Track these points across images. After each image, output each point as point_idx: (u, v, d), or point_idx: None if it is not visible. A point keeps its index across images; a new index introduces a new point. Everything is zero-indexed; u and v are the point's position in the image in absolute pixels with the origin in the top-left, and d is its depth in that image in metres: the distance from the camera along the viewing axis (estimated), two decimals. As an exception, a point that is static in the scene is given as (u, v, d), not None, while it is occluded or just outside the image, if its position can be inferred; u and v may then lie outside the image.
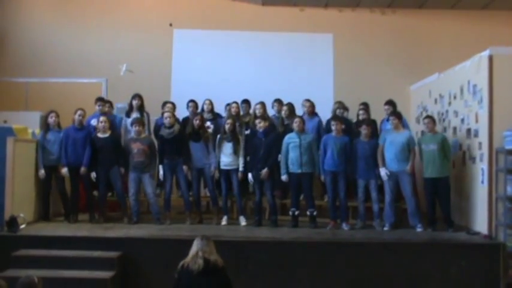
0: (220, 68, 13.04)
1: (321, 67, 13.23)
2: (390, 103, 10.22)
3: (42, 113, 11.66)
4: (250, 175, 9.45)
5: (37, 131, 10.18)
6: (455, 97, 10.05)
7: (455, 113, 9.97)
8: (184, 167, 9.52)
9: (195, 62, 13.04)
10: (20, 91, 12.73)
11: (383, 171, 9.21)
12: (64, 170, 9.48)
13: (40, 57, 12.99)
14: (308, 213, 9.41)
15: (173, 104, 10.64)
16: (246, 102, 10.82)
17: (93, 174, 9.53)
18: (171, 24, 13.16)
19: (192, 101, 10.69)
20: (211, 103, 10.72)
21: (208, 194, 10.02)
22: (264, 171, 9.28)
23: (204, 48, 13.17)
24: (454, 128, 9.99)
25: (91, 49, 13.07)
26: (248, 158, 9.58)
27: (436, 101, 11.08)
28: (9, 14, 13.28)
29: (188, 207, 9.68)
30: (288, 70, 13.10)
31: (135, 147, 9.45)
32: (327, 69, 13.22)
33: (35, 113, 11.73)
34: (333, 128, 9.42)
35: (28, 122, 10.52)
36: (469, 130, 9.37)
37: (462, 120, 9.66)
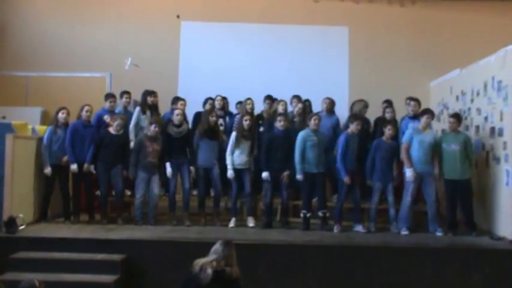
0: (230, 62, 13.00)
1: (336, 62, 13.17)
2: (417, 100, 10.15)
3: (42, 108, 11.70)
4: (266, 174, 9.40)
5: (37, 127, 10.16)
6: (478, 94, 9.97)
7: (478, 111, 9.89)
8: (192, 168, 9.54)
9: (204, 56, 13.02)
10: (19, 85, 12.74)
11: (410, 173, 9.12)
12: (74, 167, 9.47)
13: (41, 50, 12.99)
14: (320, 214, 9.38)
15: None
16: (270, 98, 10.80)
17: (91, 168, 9.54)
18: (178, 16, 13.13)
19: (210, 98, 10.73)
20: (223, 99, 10.71)
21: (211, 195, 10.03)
22: (286, 173, 9.34)
23: (213, 42, 13.14)
24: (477, 127, 9.90)
25: (94, 42, 13.06)
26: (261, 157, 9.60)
27: (457, 98, 11.00)
28: (10, 6, 13.28)
29: (187, 208, 9.67)
30: (300, 65, 13.07)
31: (151, 146, 9.46)
32: (342, 64, 13.16)
33: (36, 109, 11.76)
34: (353, 127, 9.36)
35: (28, 118, 10.49)
36: (492, 129, 9.28)
37: (485, 119, 9.57)
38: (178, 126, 9.55)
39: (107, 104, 10.37)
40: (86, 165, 9.50)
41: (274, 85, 12.00)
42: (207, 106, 10.58)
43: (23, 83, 12.77)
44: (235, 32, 13.16)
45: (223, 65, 12.93)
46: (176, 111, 9.67)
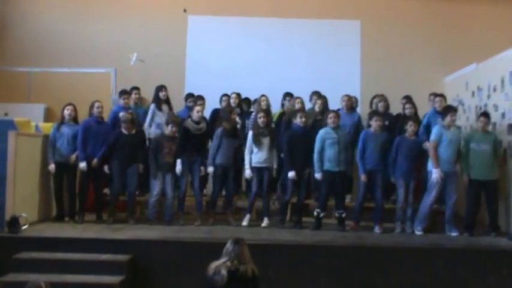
0: (239, 58, 13.00)
1: (347, 57, 13.15)
2: (442, 95, 10.09)
3: (46, 105, 11.71)
4: (291, 173, 9.38)
5: (41, 124, 10.18)
6: (495, 89, 9.91)
7: (495, 107, 9.83)
8: (202, 168, 9.54)
9: (212, 52, 13.02)
10: (22, 81, 12.78)
11: (437, 173, 9.02)
12: (82, 165, 9.47)
13: (44, 45, 13.01)
14: (337, 214, 9.37)
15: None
16: (290, 95, 10.79)
17: (106, 168, 9.55)
18: (185, 10, 13.11)
19: (225, 95, 10.77)
20: (238, 97, 10.70)
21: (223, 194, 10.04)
22: (308, 171, 9.38)
23: (221, 36, 13.15)
24: (494, 124, 9.82)
25: (99, 37, 13.08)
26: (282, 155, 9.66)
27: (473, 93, 10.95)
28: (12, -1, 13.33)
29: (199, 208, 9.68)
30: (310, 60, 13.05)
31: (168, 146, 9.47)
32: (353, 58, 13.15)
33: (39, 105, 11.79)
34: (374, 124, 9.34)
35: (31, 115, 10.51)
36: (510, 126, 9.23)
37: (503, 115, 9.52)
38: (198, 123, 9.56)
39: (121, 101, 10.41)
40: (94, 161, 9.48)
41: (284, 81, 11.97)
42: (222, 103, 10.63)
43: (25, 78, 12.80)
44: (245, 26, 13.14)
45: (232, 61, 12.93)
46: (197, 108, 9.68)
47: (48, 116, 11.96)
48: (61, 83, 12.54)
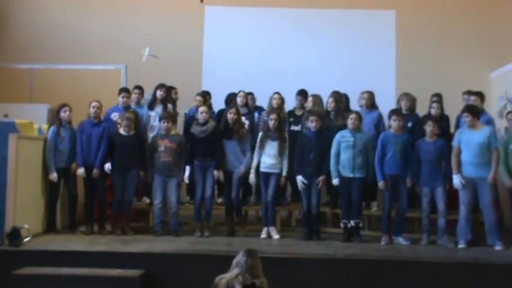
0: (260, 52, 13.02)
1: (380, 50, 13.12)
2: (478, 94, 9.95)
3: (49, 105, 11.76)
4: (300, 179, 9.39)
5: (44, 126, 10.22)
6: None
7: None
8: (215, 173, 9.53)
9: (230, 45, 13.05)
10: (23, 79, 12.83)
11: (457, 179, 9.00)
12: (81, 171, 9.52)
13: (47, 40, 13.09)
14: (353, 223, 9.32)
15: (210, 96, 10.68)
16: (302, 94, 10.74)
17: (107, 166, 9.55)
18: (202, 0, 13.11)
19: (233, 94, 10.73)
20: (246, 96, 10.64)
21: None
22: (322, 178, 9.33)
23: (240, 29, 13.17)
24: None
25: (107, 31, 13.14)
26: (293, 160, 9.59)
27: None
28: (13, -10, 13.40)
29: (208, 218, 9.70)
30: (339, 55, 13.05)
31: (163, 144, 9.49)
32: (388, 52, 13.10)
33: (42, 106, 11.80)
34: (393, 124, 9.29)
35: (33, 116, 10.50)
36: None
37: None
38: (203, 124, 9.56)
39: (120, 100, 10.43)
40: (95, 171, 9.54)
41: (310, 78, 12.02)
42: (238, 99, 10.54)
43: (27, 76, 12.86)
44: (267, 17, 13.14)
45: (253, 56, 12.96)
46: (201, 109, 9.66)
47: (52, 118, 11.99)
48: (66, 81, 12.60)
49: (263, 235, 9.50)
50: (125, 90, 10.58)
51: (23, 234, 8.52)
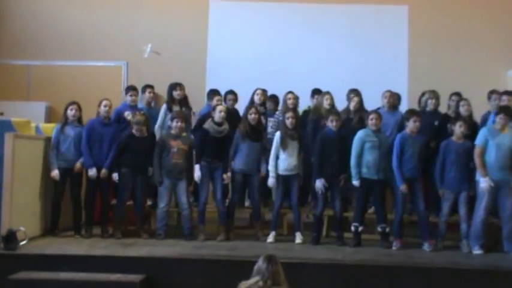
0: (267, 48, 13.05)
1: (393, 47, 13.15)
2: (510, 93, 9.87)
3: (47, 103, 11.77)
4: (319, 182, 9.34)
5: (42, 125, 10.22)
6: None
7: None
8: (225, 176, 9.52)
9: (236, 42, 13.09)
10: (20, 76, 12.88)
11: (485, 183, 8.89)
12: (92, 172, 9.46)
13: (45, 34, 13.12)
14: (379, 229, 9.27)
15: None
16: (319, 92, 10.68)
17: (115, 176, 9.53)
18: (206, -6, 13.17)
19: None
20: (263, 94, 10.61)
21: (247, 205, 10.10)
22: (343, 176, 9.31)
23: (247, 24, 13.20)
24: None
25: (108, 26, 13.15)
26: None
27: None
28: (9, -15, 13.42)
29: (224, 221, 9.63)
30: (349, 51, 13.09)
31: (175, 145, 9.43)
32: (400, 49, 13.12)
33: (39, 104, 11.85)
34: (412, 125, 9.21)
35: (30, 115, 10.54)
36: None
37: None
38: (220, 124, 9.54)
39: (128, 98, 10.39)
40: (103, 171, 9.49)
41: (319, 75, 12.06)
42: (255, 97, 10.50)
43: (24, 73, 12.90)
44: (274, 12, 13.18)
45: (260, 52, 13.01)
46: (219, 108, 9.60)
47: (50, 116, 12.03)
48: (65, 78, 12.63)
49: (270, 239, 9.47)
50: (132, 89, 10.52)
51: (19, 237, 8.47)
